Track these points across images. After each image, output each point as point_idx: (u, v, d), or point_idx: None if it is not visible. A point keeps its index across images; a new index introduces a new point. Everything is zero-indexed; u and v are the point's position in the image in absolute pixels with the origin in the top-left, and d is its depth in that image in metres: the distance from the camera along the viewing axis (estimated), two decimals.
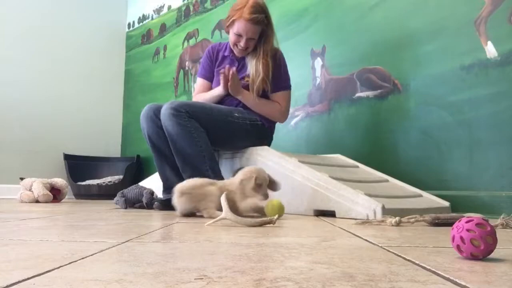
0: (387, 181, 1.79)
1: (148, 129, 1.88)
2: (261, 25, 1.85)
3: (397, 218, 1.16)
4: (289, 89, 2.03)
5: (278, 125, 2.55)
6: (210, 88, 2.07)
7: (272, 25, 1.92)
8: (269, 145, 2.06)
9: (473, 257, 0.62)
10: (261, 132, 1.99)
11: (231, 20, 1.87)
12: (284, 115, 2.02)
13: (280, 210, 1.37)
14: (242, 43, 1.87)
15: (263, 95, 1.97)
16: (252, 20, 1.81)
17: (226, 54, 2.02)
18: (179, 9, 3.57)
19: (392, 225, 1.15)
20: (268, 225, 1.13)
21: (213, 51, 2.07)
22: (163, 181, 1.95)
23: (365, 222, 1.21)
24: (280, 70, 1.97)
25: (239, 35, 1.86)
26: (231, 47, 1.96)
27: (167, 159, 1.89)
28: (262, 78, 1.88)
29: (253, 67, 1.90)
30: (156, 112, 1.87)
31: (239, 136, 1.92)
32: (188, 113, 1.78)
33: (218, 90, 1.96)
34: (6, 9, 3.28)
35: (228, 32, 1.94)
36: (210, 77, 2.08)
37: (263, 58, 1.88)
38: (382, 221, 1.21)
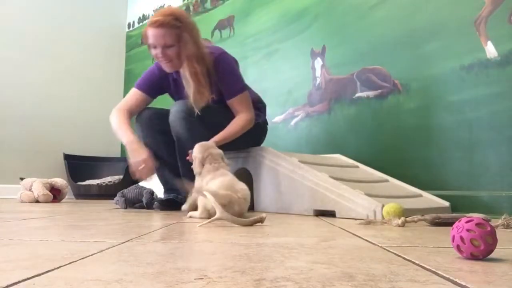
0: (387, 181, 1.79)
1: (145, 137, 1.81)
2: (171, 28, 1.64)
3: (402, 219, 1.16)
4: (244, 90, 1.82)
5: (278, 125, 2.55)
6: (144, 102, 1.87)
7: (191, 27, 1.71)
8: (264, 140, 2.04)
9: (473, 257, 0.62)
10: (259, 129, 1.96)
11: (144, 35, 1.71)
12: (251, 118, 1.81)
13: (399, 213, 1.28)
14: (159, 53, 1.68)
15: (219, 100, 1.79)
16: (155, 23, 1.64)
17: (174, 76, 1.85)
18: None
19: (399, 226, 1.14)
20: (259, 223, 1.15)
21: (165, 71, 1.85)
22: (163, 184, 1.93)
23: (370, 222, 1.21)
24: (225, 75, 1.77)
25: (153, 47, 1.68)
26: (160, 64, 1.78)
27: (165, 162, 1.85)
28: (197, 90, 1.69)
29: (185, 81, 1.73)
30: (153, 116, 1.83)
31: (242, 136, 1.80)
32: (198, 116, 1.70)
33: (127, 138, 1.71)
34: (6, 9, 3.28)
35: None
36: (149, 91, 1.87)
37: (188, 66, 1.69)
38: (387, 221, 1.20)
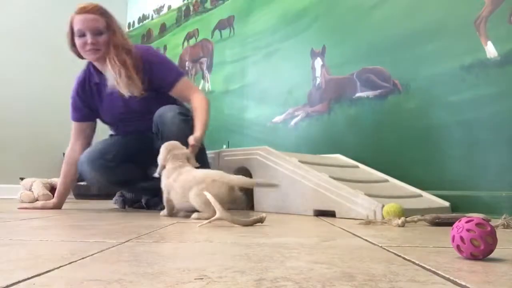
0: (387, 181, 1.79)
1: (99, 181, 1.73)
2: (100, 15, 1.64)
3: (402, 219, 1.16)
4: (184, 74, 1.80)
5: (278, 125, 2.55)
6: (89, 129, 1.86)
7: (116, 21, 1.70)
8: None
9: (473, 257, 0.62)
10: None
11: (69, 27, 1.66)
12: (204, 95, 1.75)
13: (399, 213, 1.28)
14: (88, 39, 1.61)
15: (156, 96, 1.72)
16: (84, 8, 1.62)
17: (96, 81, 1.76)
18: (179, 9, 3.57)
19: (399, 226, 1.14)
20: (259, 223, 1.15)
21: (84, 88, 1.80)
22: (150, 195, 1.88)
23: (370, 222, 1.21)
24: (161, 65, 1.74)
25: (81, 35, 1.63)
26: (84, 56, 1.70)
27: (138, 182, 1.82)
28: (127, 76, 1.62)
29: (110, 71, 1.64)
30: (105, 156, 1.74)
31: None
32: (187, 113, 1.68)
33: (58, 196, 1.82)
34: (6, 9, 3.28)
35: (75, 48, 1.69)
36: (84, 117, 1.84)
37: (117, 56, 1.63)
38: (387, 221, 1.21)
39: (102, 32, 1.64)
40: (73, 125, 1.87)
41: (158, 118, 1.68)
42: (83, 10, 1.62)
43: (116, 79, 1.63)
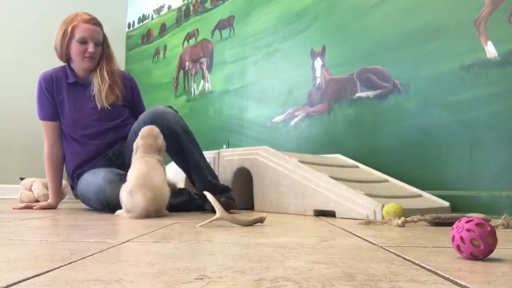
0: (387, 181, 1.79)
1: (112, 194, 1.54)
2: (100, 28, 1.81)
3: (402, 219, 1.16)
4: None
5: (278, 125, 2.55)
6: (59, 129, 1.87)
7: (107, 40, 1.88)
8: None
9: (473, 257, 0.62)
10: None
11: (69, 31, 1.75)
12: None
13: (399, 213, 1.28)
14: (90, 48, 1.75)
15: (118, 112, 1.85)
16: (92, 20, 1.79)
17: (72, 80, 1.82)
18: (179, 9, 3.57)
19: (399, 226, 1.14)
20: (259, 223, 1.15)
21: (49, 83, 1.82)
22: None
23: (370, 222, 1.21)
24: (135, 85, 1.98)
25: (83, 42, 1.75)
26: (78, 62, 1.80)
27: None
28: (109, 85, 1.79)
29: (98, 78, 1.79)
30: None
31: None
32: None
33: (54, 196, 1.87)
34: (6, 9, 3.28)
35: (68, 50, 1.79)
36: (54, 115, 1.84)
37: (106, 66, 1.81)
38: (387, 221, 1.21)
39: (100, 44, 1.81)
40: (43, 125, 1.89)
41: (155, 115, 1.70)
42: (91, 21, 1.79)
43: (100, 87, 1.80)
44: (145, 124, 1.63)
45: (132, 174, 1.39)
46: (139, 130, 1.56)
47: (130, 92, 1.93)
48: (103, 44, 1.83)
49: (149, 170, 1.38)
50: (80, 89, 1.84)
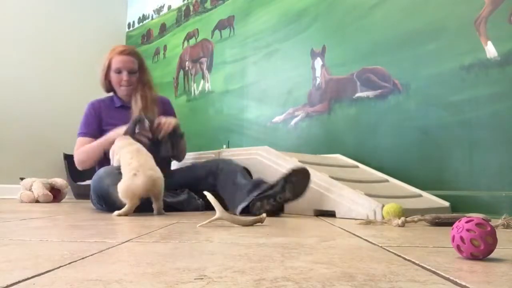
0: (387, 181, 1.79)
1: (109, 186, 1.58)
2: (135, 57, 1.96)
3: (402, 219, 1.16)
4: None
5: (278, 125, 2.55)
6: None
7: (145, 62, 2.03)
8: None
9: (473, 257, 0.62)
10: None
11: (107, 64, 1.94)
12: None
13: (399, 213, 1.28)
14: (124, 77, 1.92)
15: None
16: (125, 51, 1.94)
17: (118, 104, 1.99)
18: (179, 9, 3.57)
19: (399, 226, 1.14)
20: (259, 223, 1.15)
21: (99, 106, 1.99)
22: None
23: (370, 222, 1.21)
24: (169, 106, 2.12)
25: (118, 72, 1.93)
26: (117, 90, 1.98)
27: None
28: (143, 109, 1.92)
29: (133, 102, 1.96)
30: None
31: None
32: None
33: (115, 134, 1.81)
34: (6, 9, 3.28)
35: (109, 82, 1.97)
36: (96, 133, 1.94)
37: (141, 91, 1.95)
38: (387, 221, 1.20)
39: (135, 72, 1.96)
40: (81, 141, 1.95)
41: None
42: (123, 52, 1.94)
43: (139, 108, 1.94)
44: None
45: (134, 159, 1.48)
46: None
47: (163, 114, 2.00)
48: (139, 71, 1.97)
49: (146, 159, 1.52)
50: (128, 111, 1.97)
